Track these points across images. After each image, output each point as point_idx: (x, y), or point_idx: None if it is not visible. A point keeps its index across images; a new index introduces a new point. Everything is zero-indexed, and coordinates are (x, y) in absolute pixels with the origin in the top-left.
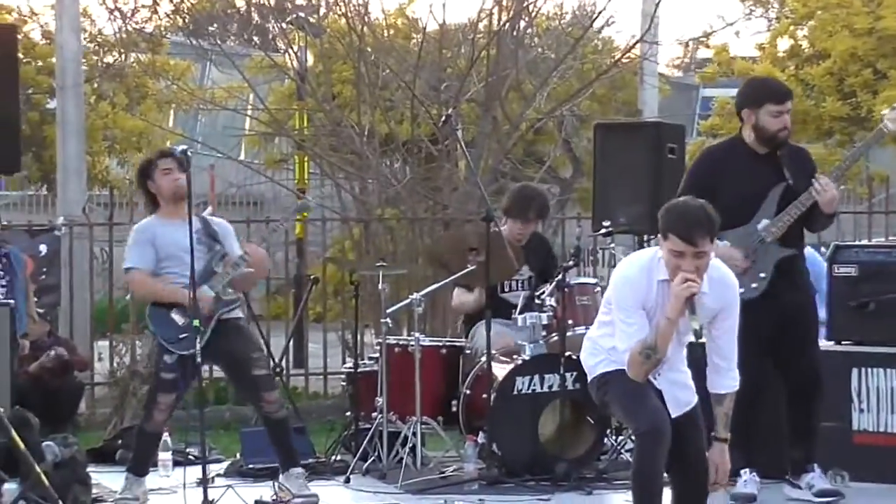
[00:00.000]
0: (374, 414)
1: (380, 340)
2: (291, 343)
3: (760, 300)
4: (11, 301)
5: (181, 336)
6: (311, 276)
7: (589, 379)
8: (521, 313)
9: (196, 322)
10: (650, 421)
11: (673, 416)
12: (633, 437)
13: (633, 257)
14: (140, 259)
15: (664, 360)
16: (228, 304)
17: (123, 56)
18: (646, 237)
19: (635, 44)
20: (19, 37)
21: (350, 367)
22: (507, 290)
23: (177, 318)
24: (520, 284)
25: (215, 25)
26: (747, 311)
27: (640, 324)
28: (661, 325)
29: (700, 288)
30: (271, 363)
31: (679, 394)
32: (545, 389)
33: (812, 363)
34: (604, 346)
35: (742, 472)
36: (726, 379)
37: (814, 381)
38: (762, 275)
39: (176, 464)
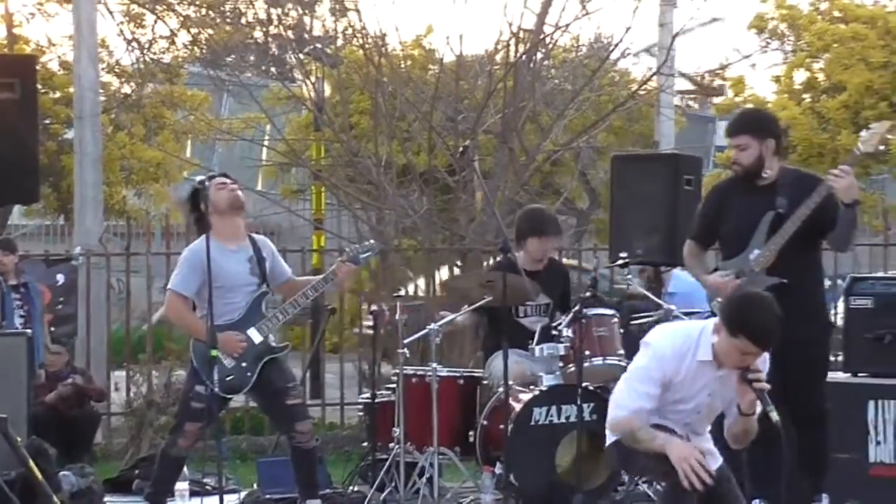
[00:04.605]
0: (391, 444)
1: (397, 371)
2: (308, 373)
3: None
4: (29, 331)
5: (227, 377)
6: (329, 307)
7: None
8: (537, 344)
9: (214, 352)
10: None
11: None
12: None
13: (674, 333)
14: (183, 284)
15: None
16: (274, 351)
17: (141, 86)
18: (662, 268)
19: (652, 76)
20: (38, 67)
21: (367, 398)
22: (521, 314)
23: (225, 360)
24: (535, 310)
25: (233, 56)
26: None
27: (652, 395)
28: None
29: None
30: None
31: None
32: (562, 420)
33: (816, 397)
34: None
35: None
36: None
37: (819, 413)
38: None
39: (193, 493)
